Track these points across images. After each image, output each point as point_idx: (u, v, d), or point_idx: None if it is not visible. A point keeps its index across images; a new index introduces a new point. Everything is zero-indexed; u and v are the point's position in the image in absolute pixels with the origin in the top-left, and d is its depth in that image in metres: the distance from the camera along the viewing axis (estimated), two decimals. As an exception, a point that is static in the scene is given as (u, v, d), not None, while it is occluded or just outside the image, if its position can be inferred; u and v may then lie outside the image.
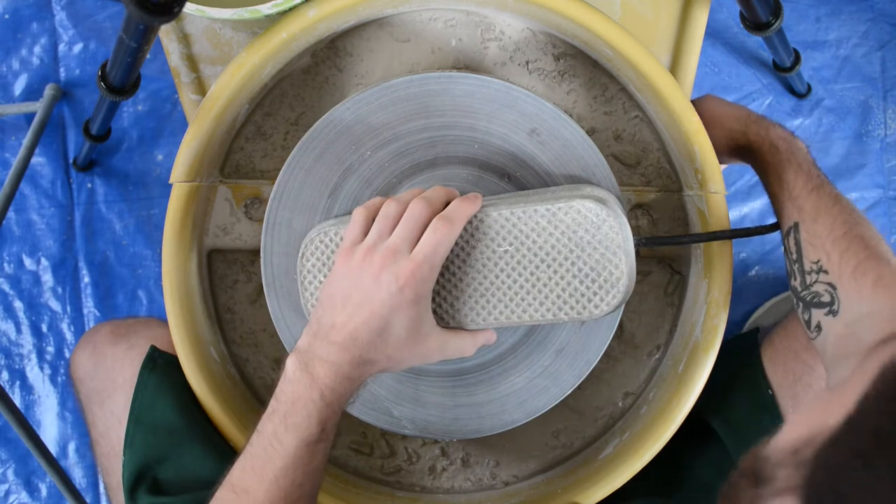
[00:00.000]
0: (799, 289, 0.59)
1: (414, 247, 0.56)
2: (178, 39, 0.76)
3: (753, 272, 1.12)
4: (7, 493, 1.14)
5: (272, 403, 0.55)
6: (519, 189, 0.66)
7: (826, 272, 0.57)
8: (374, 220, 0.59)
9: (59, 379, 1.15)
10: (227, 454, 0.66)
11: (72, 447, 1.15)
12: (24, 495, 1.15)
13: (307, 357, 0.55)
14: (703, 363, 0.66)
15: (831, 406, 0.32)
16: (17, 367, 1.14)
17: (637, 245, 0.61)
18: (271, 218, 0.67)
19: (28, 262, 1.14)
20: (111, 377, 0.72)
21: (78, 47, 1.13)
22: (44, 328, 1.14)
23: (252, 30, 0.76)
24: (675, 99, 0.64)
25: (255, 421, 0.57)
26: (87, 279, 1.14)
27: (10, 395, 0.95)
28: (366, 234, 0.58)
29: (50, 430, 1.15)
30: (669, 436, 0.66)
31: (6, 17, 1.13)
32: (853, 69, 1.12)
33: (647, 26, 0.75)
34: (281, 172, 0.66)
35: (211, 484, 0.56)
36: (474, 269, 0.60)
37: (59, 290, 1.14)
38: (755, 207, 1.13)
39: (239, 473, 0.54)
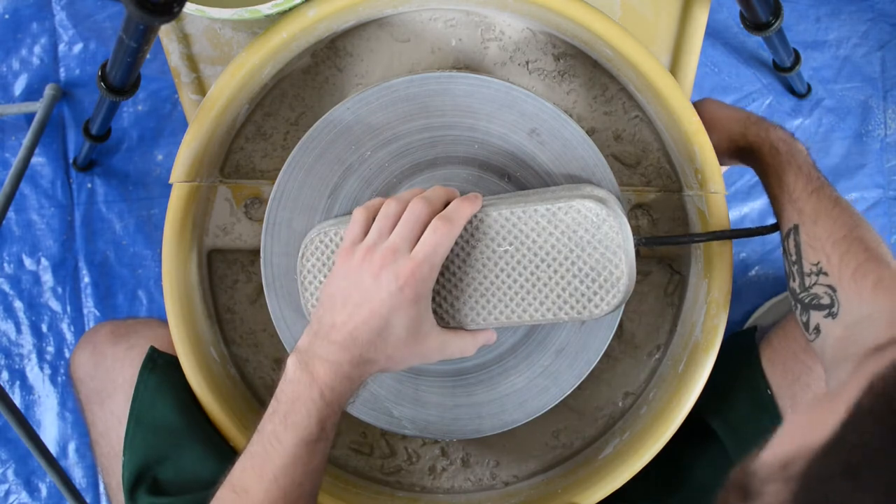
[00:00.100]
0: (798, 290, 0.59)
1: (414, 246, 0.56)
2: (178, 39, 0.76)
3: (753, 272, 1.12)
4: (7, 493, 1.14)
5: (272, 403, 0.55)
6: (519, 189, 0.66)
7: (826, 274, 0.57)
8: (374, 219, 0.59)
9: (59, 379, 1.15)
10: (227, 454, 0.66)
11: (72, 447, 1.15)
12: (24, 495, 1.15)
13: (307, 356, 0.55)
14: (703, 363, 0.66)
15: (819, 420, 0.32)
16: (17, 367, 1.15)
17: (637, 245, 0.61)
18: (271, 218, 0.67)
19: (28, 262, 1.14)
20: (111, 377, 0.72)
21: (78, 47, 1.13)
22: (44, 328, 1.14)
23: (252, 30, 0.76)
24: (675, 99, 0.64)
25: (255, 421, 0.57)
26: (87, 279, 1.14)
27: (10, 395, 0.95)
28: (366, 233, 0.58)
29: (50, 430, 1.15)
30: (669, 436, 0.66)
31: (6, 17, 1.13)
32: (853, 69, 1.12)
33: (647, 26, 0.75)
34: (281, 172, 0.66)
35: (211, 484, 0.56)
36: (474, 268, 0.60)
37: (59, 290, 1.14)
38: (755, 207, 1.13)
39: (239, 473, 0.54)
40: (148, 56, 0.66)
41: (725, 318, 0.66)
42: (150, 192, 1.13)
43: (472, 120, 0.65)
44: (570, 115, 0.69)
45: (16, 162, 0.99)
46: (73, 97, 1.13)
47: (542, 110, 0.64)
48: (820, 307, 0.56)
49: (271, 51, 0.65)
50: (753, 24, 0.83)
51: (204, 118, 0.66)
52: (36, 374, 1.15)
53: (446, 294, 0.61)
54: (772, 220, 0.66)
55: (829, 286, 0.56)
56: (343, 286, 0.57)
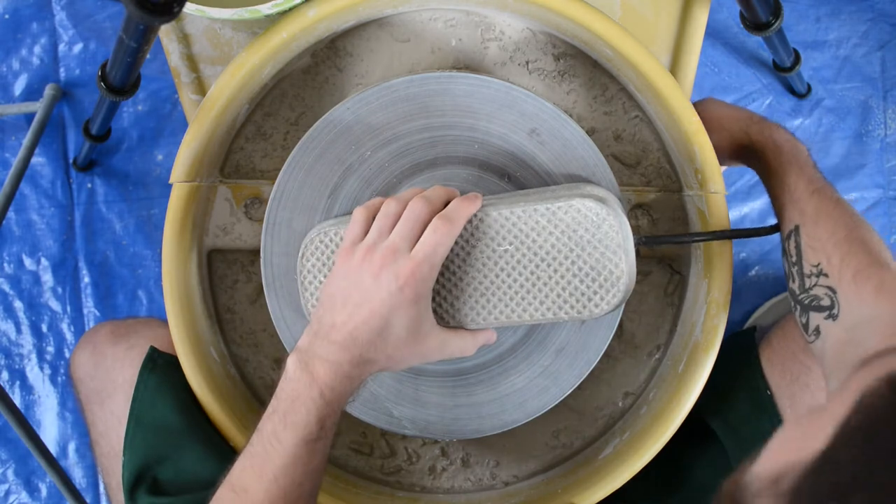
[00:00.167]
0: (797, 292, 0.59)
1: (414, 246, 0.56)
2: (178, 39, 0.76)
3: (753, 272, 1.12)
4: (7, 493, 1.14)
5: (272, 403, 0.55)
6: (519, 189, 0.66)
7: (826, 275, 0.56)
8: (374, 219, 0.59)
9: (59, 379, 1.15)
10: (227, 454, 0.66)
11: (72, 447, 1.15)
12: (24, 495, 1.15)
13: (307, 356, 0.55)
14: (703, 363, 0.66)
15: (810, 435, 0.32)
16: (17, 367, 1.15)
17: (637, 244, 0.61)
18: (271, 218, 0.67)
19: (28, 262, 1.14)
20: (111, 377, 0.72)
21: (78, 47, 1.13)
22: (44, 328, 1.14)
23: (252, 30, 0.76)
24: (675, 99, 0.64)
25: (255, 421, 0.57)
26: (87, 279, 1.14)
27: (10, 395, 0.95)
28: (366, 233, 0.58)
29: (50, 430, 1.15)
30: (669, 436, 0.66)
31: (6, 17, 1.13)
32: (853, 69, 1.12)
33: (647, 26, 0.75)
34: (281, 172, 0.66)
35: (211, 484, 0.56)
36: (474, 268, 0.60)
37: (59, 290, 1.14)
38: (755, 207, 1.13)
39: (239, 472, 0.54)
40: (148, 56, 0.66)
41: (725, 318, 0.66)
42: (150, 192, 1.13)
43: (472, 120, 0.65)
44: (570, 115, 0.69)
45: (16, 162, 0.99)
46: (73, 97, 1.13)
47: (542, 110, 0.64)
48: (820, 309, 0.56)
49: (271, 51, 0.65)
50: (753, 24, 0.83)
51: (204, 118, 0.66)
52: (36, 374, 1.15)
53: (446, 294, 0.61)
54: (772, 221, 0.66)
55: (830, 287, 0.56)
56: (343, 286, 0.57)
